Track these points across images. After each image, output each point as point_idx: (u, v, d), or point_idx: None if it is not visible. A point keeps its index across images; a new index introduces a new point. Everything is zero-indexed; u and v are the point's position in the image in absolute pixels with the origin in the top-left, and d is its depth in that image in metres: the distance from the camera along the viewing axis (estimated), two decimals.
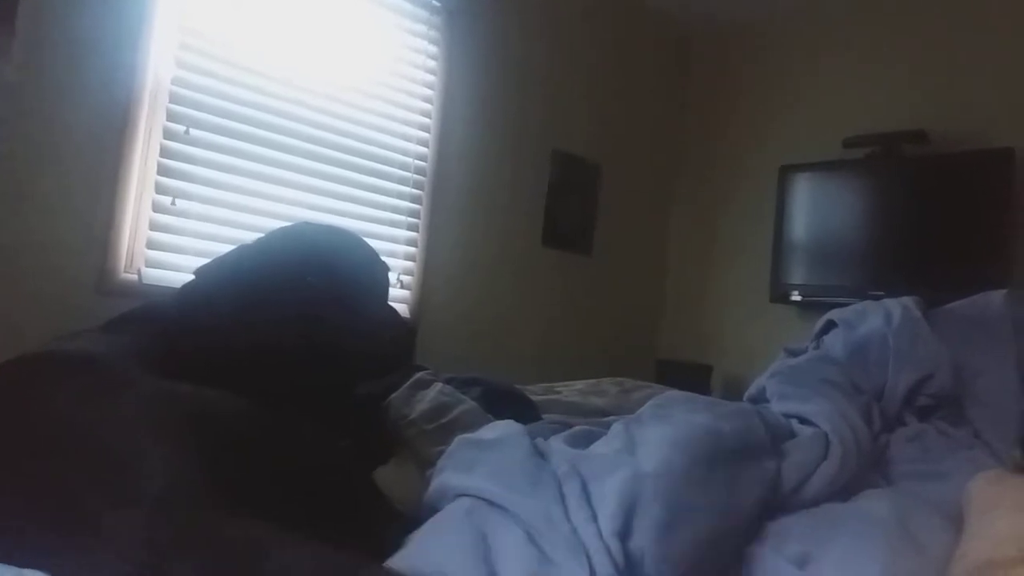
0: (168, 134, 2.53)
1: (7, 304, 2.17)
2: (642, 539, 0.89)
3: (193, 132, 2.59)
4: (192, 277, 1.39)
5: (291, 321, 1.29)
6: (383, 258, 1.50)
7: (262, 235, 1.43)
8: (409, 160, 3.24)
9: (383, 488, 1.14)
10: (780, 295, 3.79)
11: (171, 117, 2.54)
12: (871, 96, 3.72)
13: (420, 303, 3.26)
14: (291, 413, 1.06)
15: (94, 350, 1.11)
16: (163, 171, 2.52)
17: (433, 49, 3.32)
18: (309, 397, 1.23)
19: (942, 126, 3.38)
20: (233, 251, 1.41)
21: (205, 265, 1.40)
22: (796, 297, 3.72)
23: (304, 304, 1.31)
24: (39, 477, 0.82)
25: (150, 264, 2.49)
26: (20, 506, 0.80)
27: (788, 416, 1.31)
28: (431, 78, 3.32)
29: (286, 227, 1.45)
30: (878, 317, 1.62)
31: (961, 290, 1.74)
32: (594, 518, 0.90)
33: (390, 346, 1.45)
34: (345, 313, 1.35)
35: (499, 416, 1.55)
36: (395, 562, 0.87)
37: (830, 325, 1.71)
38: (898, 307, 1.63)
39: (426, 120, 3.30)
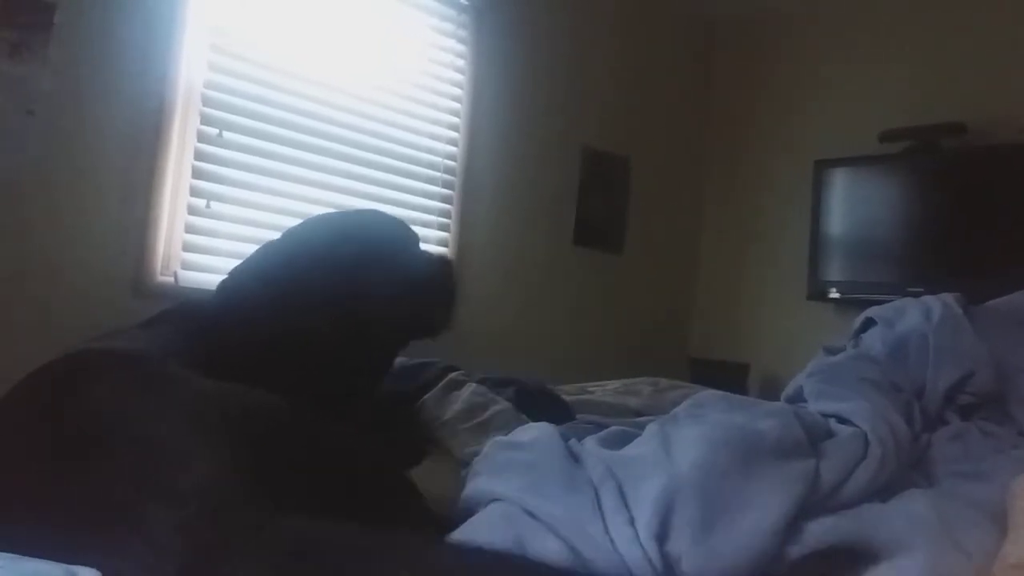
0: (202, 137, 2.56)
1: (46, 307, 2.21)
2: (679, 542, 0.89)
3: (226, 135, 2.61)
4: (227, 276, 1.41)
5: (329, 298, 1.31)
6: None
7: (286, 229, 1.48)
8: (438, 159, 3.25)
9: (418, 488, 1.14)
10: (818, 292, 3.74)
11: (204, 120, 2.57)
12: (908, 87, 3.66)
13: None
14: (331, 413, 1.07)
15: (136, 348, 1.12)
16: (197, 174, 2.55)
17: (461, 48, 3.33)
18: (353, 380, 1.24)
19: (982, 118, 3.31)
20: (261, 247, 1.44)
21: (238, 264, 1.42)
22: (834, 294, 3.67)
23: (337, 277, 1.33)
24: (84, 474, 0.83)
25: (186, 267, 2.52)
26: (67, 503, 0.81)
27: (826, 415, 1.29)
28: (460, 76, 3.32)
29: (308, 218, 1.50)
30: (918, 314, 1.59)
31: (1004, 286, 1.71)
32: (631, 521, 0.90)
33: (434, 294, 1.47)
34: (381, 275, 1.37)
35: (532, 417, 1.54)
36: None
37: (869, 323, 1.68)
38: (938, 304, 1.60)
39: (455, 119, 3.30)
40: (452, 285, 1.52)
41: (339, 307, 1.32)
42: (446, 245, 3.28)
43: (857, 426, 1.22)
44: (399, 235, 1.48)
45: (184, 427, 0.88)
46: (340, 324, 1.31)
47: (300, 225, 1.47)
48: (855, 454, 1.16)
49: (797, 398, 1.45)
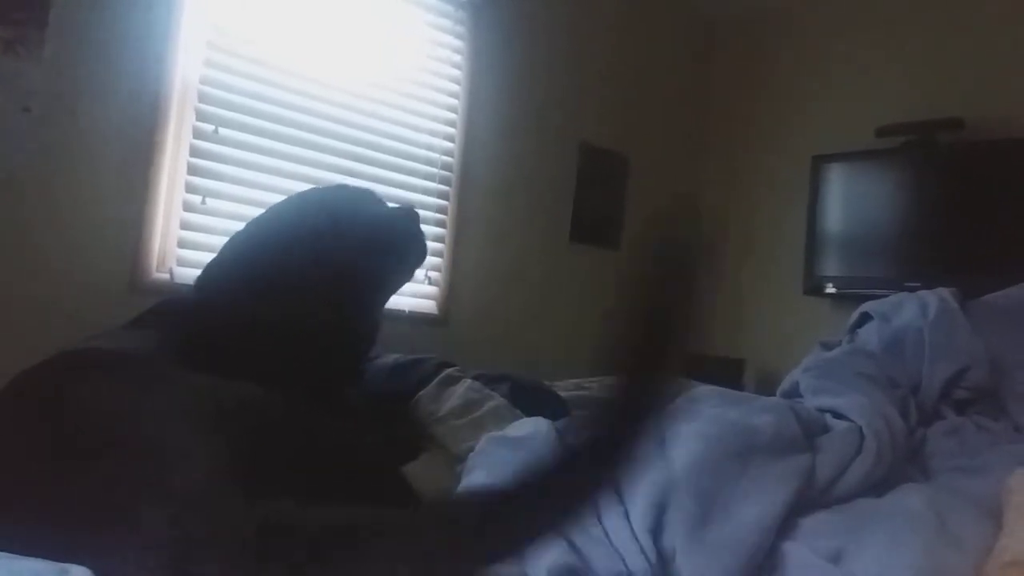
0: (197, 134, 2.55)
1: (41, 304, 2.20)
2: (674, 535, 0.89)
3: (222, 131, 2.61)
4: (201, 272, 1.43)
5: (304, 270, 1.32)
6: None
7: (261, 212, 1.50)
8: (436, 156, 3.24)
9: (413, 484, 1.14)
10: (814, 287, 3.73)
11: (200, 117, 2.56)
12: (904, 83, 3.65)
13: (448, 300, 3.27)
14: (321, 408, 1.07)
15: (126, 347, 1.12)
16: (193, 171, 2.54)
17: (459, 44, 3.32)
18: (342, 352, 1.25)
19: (979, 113, 3.30)
20: (229, 238, 1.46)
21: (212, 259, 1.44)
22: (830, 289, 3.67)
23: (307, 248, 1.35)
24: (78, 474, 0.83)
25: (181, 263, 2.51)
26: (61, 503, 0.81)
27: (822, 410, 1.29)
28: (457, 73, 3.32)
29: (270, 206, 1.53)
30: (913, 309, 1.59)
31: (999, 281, 1.71)
32: (626, 515, 0.90)
33: (403, 238, 1.50)
34: (349, 235, 1.40)
35: (528, 412, 1.55)
36: None
37: (865, 318, 1.68)
38: (934, 299, 1.60)
39: (452, 116, 3.30)
40: (416, 227, 1.56)
41: (316, 276, 1.33)
42: (443, 241, 3.27)
43: (853, 421, 1.22)
44: (357, 196, 1.52)
45: (177, 424, 0.88)
46: (321, 290, 1.33)
47: (263, 212, 1.50)
48: (850, 449, 1.16)
49: (793, 393, 1.45)
